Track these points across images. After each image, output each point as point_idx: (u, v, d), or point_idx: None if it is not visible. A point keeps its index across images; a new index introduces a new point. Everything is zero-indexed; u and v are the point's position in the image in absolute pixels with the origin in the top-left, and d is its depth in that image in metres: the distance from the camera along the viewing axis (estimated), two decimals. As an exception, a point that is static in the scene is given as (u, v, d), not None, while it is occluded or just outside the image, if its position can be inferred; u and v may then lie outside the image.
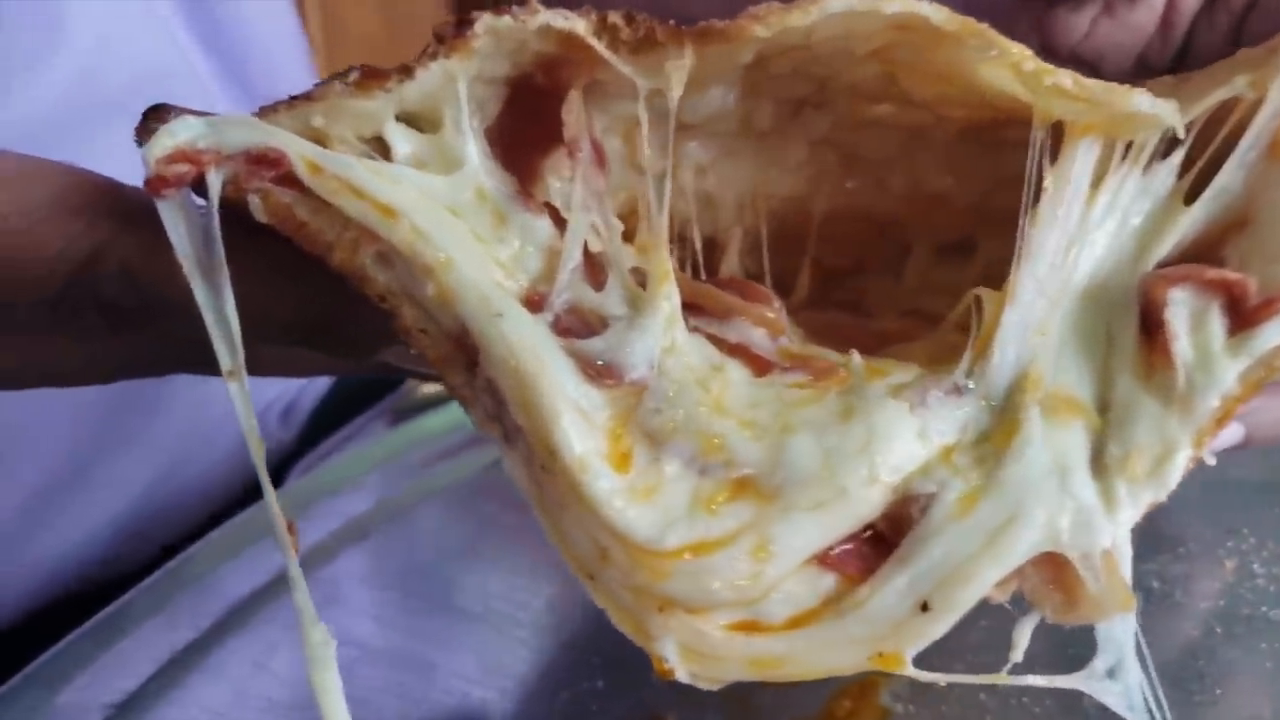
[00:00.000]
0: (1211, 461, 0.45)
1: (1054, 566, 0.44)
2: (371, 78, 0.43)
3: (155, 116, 0.43)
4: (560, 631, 0.77)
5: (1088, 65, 0.52)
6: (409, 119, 0.45)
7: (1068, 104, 0.44)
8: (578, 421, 0.42)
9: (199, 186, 0.42)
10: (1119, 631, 0.45)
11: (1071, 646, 0.47)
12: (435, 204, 0.44)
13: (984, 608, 0.44)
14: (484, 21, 0.42)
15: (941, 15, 0.43)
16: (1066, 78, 0.44)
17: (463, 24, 0.42)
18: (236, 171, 0.42)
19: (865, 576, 0.44)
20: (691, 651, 0.43)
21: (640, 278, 0.45)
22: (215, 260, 0.42)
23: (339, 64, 0.45)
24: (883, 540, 0.44)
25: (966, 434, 0.45)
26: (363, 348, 0.51)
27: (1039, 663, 0.46)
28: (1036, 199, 0.46)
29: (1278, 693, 0.65)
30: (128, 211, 0.47)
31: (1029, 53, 0.44)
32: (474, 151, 0.45)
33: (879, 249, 0.59)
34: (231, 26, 1.00)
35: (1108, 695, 0.45)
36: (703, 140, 0.54)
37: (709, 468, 0.43)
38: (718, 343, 0.46)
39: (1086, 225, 0.46)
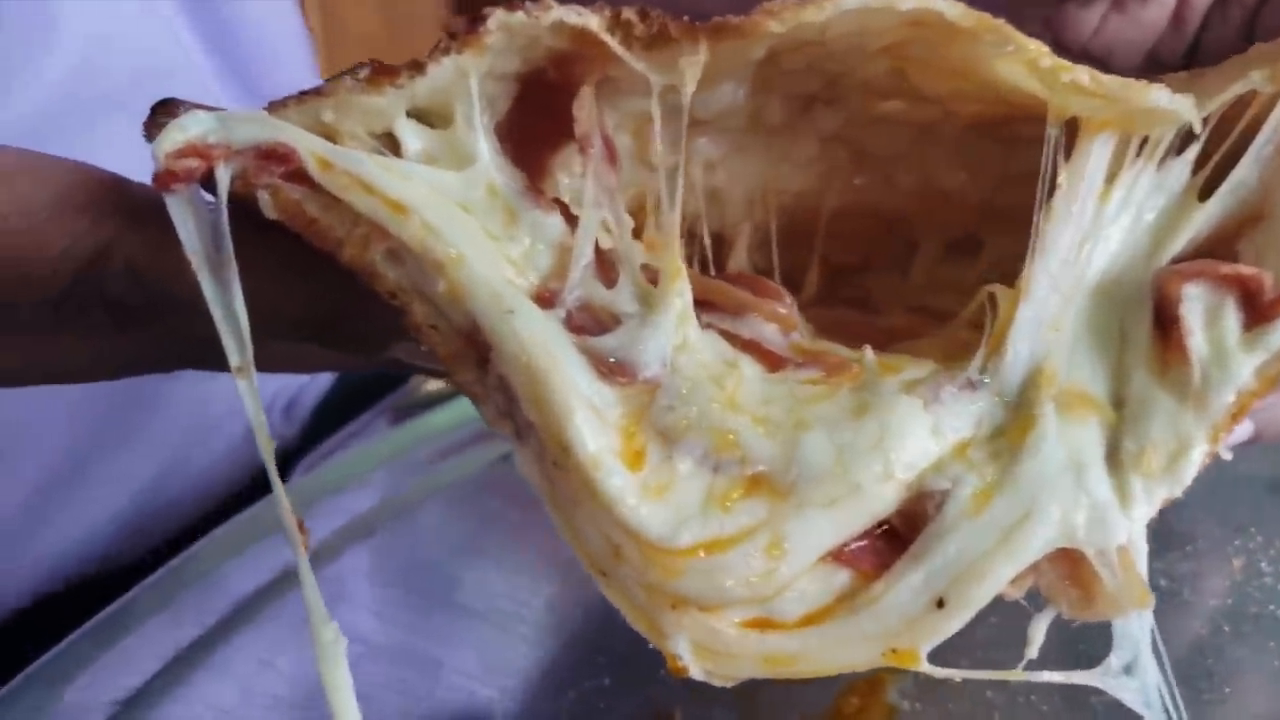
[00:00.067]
0: (1228, 456, 0.45)
1: (1069, 563, 0.43)
2: (383, 73, 0.43)
3: (164, 111, 0.43)
4: (565, 629, 0.77)
5: (1097, 61, 0.52)
6: (419, 115, 0.45)
7: (1084, 100, 0.44)
8: (590, 419, 0.42)
9: (207, 182, 0.42)
10: (1135, 628, 0.45)
11: (1082, 644, 0.46)
12: (447, 200, 0.43)
13: (993, 605, 0.44)
14: (497, 17, 0.41)
15: (957, 11, 0.42)
16: (1084, 74, 0.43)
17: (475, 20, 0.42)
18: (246, 167, 0.42)
19: (879, 573, 0.44)
20: (705, 649, 0.43)
21: (651, 274, 0.45)
22: (224, 256, 0.42)
23: (339, 63, 0.45)
24: (897, 536, 0.44)
25: (981, 430, 0.45)
26: (372, 344, 0.51)
27: (1049, 660, 0.46)
28: (1050, 195, 0.45)
29: (1286, 692, 0.66)
30: (134, 208, 0.47)
31: (1045, 49, 0.43)
32: (485, 148, 0.45)
33: (886, 246, 0.59)
34: (235, 25, 1.00)
35: (1124, 692, 0.45)
36: (713, 136, 0.54)
37: (722, 465, 0.43)
38: (730, 339, 0.46)
39: (1101, 221, 0.46)
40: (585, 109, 0.45)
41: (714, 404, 0.43)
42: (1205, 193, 0.46)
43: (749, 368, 0.45)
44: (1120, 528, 0.43)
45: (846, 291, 0.59)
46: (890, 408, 0.44)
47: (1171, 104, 0.44)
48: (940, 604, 0.43)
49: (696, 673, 0.44)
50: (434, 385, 1.04)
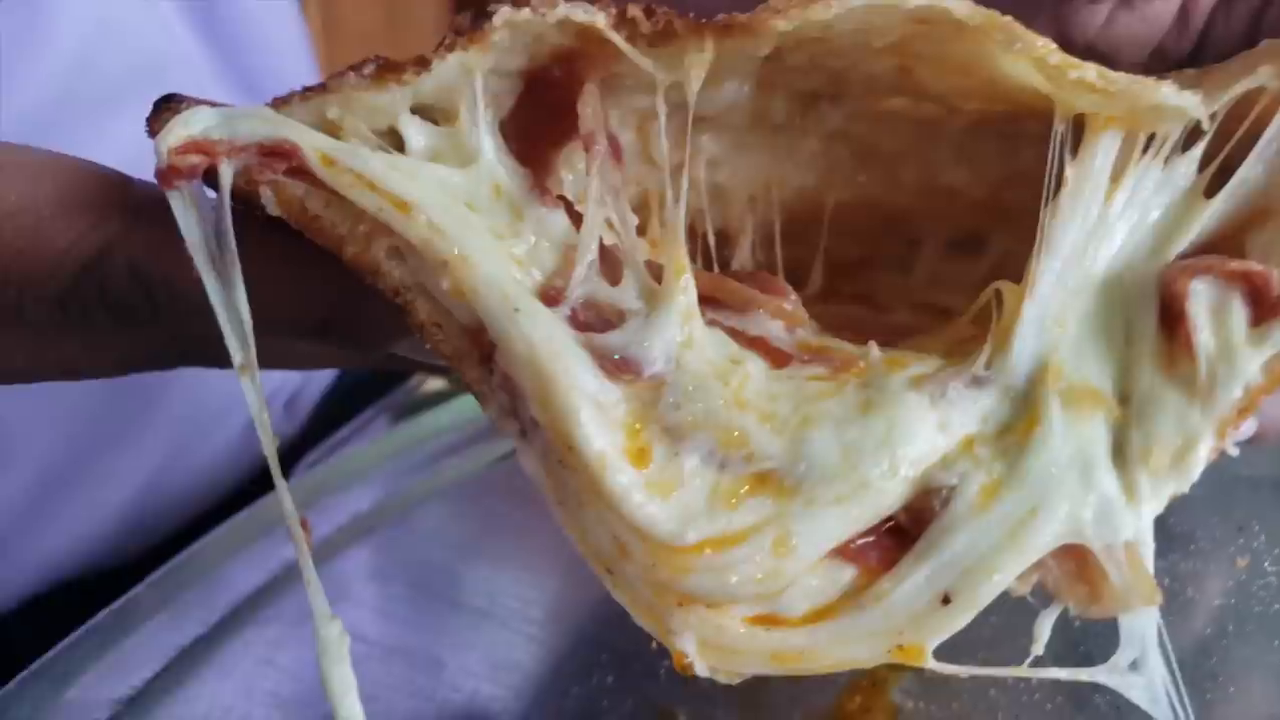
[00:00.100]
0: (1234, 452, 0.45)
1: (1076, 559, 0.43)
2: (388, 70, 0.42)
3: (168, 107, 0.43)
4: (569, 627, 0.77)
5: (1103, 58, 0.52)
6: (423, 111, 0.45)
7: (1091, 97, 0.44)
8: (596, 416, 0.42)
9: (210, 179, 0.42)
10: (1142, 625, 0.45)
11: (1083, 644, 0.47)
12: (451, 198, 0.43)
13: (995, 604, 0.44)
14: (502, 14, 0.41)
15: (964, 9, 0.42)
16: (1091, 71, 0.43)
17: (481, 17, 0.41)
18: (248, 163, 0.42)
19: (886, 569, 0.44)
20: (711, 646, 0.43)
21: (655, 271, 0.45)
22: (226, 253, 0.42)
23: (339, 61, 0.44)
24: (903, 532, 0.44)
25: (987, 426, 0.45)
26: (374, 342, 0.51)
27: (1051, 660, 0.46)
28: (1056, 191, 0.45)
29: (1292, 691, 0.65)
30: (137, 205, 0.47)
31: (1053, 46, 0.43)
32: (489, 145, 0.45)
33: (889, 243, 0.59)
34: (233, 22, 1.00)
35: (1131, 689, 0.45)
36: (716, 133, 0.54)
37: (729, 462, 0.43)
38: (736, 335, 0.46)
39: (1106, 218, 0.46)
40: (590, 107, 0.45)
41: (720, 401, 0.43)
42: (1211, 189, 0.46)
43: (754, 365, 0.45)
44: (1127, 523, 0.43)
45: (849, 287, 0.59)
46: (897, 404, 0.44)
47: (1179, 100, 0.44)
48: (946, 600, 0.43)
49: (702, 670, 0.44)
50: (435, 384, 1.04)
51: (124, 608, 0.77)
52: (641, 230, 0.49)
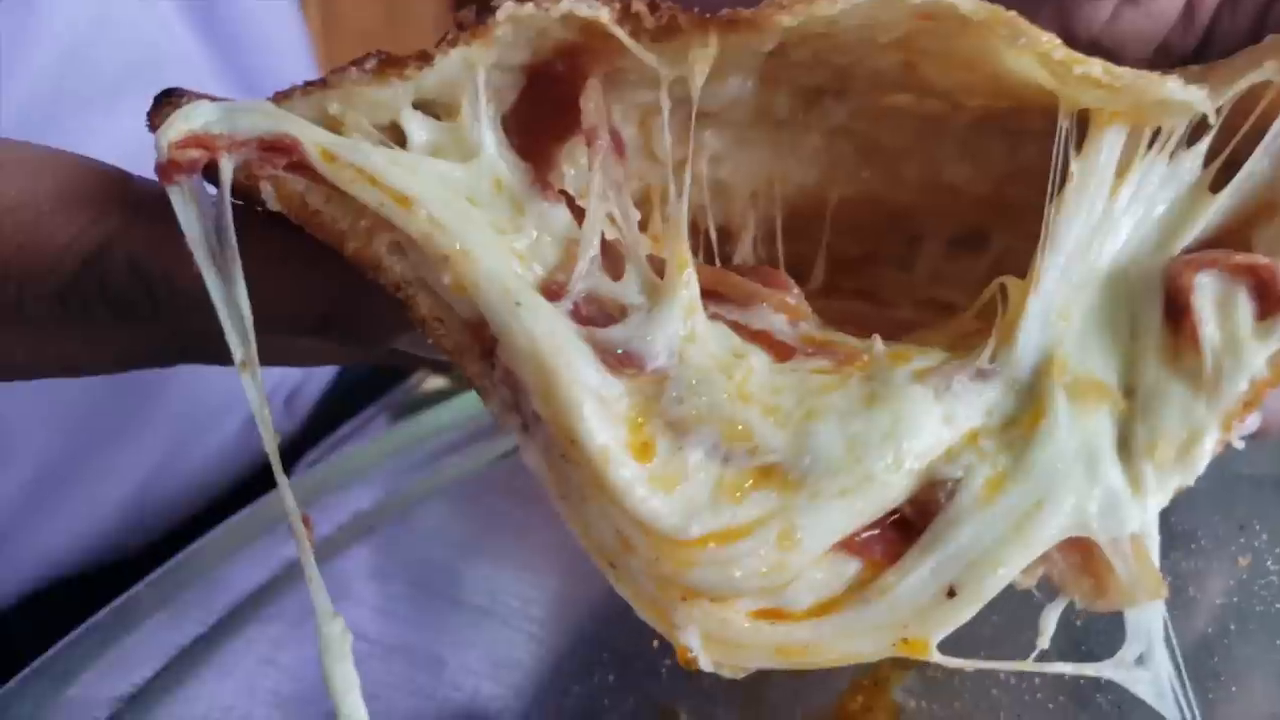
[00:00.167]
0: (1240, 445, 0.45)
1: (1082, 552, 0.43)
2: (390, 65, 0.42)
3: (168, 101, 0.43)
4: (570, 626, 0.77)
5: (1108, 53, 0.52)
6: (424, 106, 0.45)
7: (1096, 92, 0.44)
8: (599, 411, 0.42)
9: (210, 174, 0.42)
10: (1147, 619, 0.44)
11: (1085, 643, 0.46)
12: (453, 193, 0.43)
13: (996, 603, 0.44)
14: (506, 9, 0.41)
15: (969, 4, 0.42)
16: (1096, 66, 0.43)
17: (484, 12, 0.41)
18: (249, 158, 0.42)
19: (891, 562, 0.44)
20: (715, 640, 0.43)
21: (656, 266, 0.45)
22: (227, 249, 0.42)
23: (338, 59, 0.44)
24: (908, 525, 0.44)
25: (992, 419, 0.45)
26: (375, 338, 0.51)
27: (1053, 657, 0.46)
28: (1061, 186, 0.45)
29: (1294, 690, 0.65)
30: (137, 202, 0.47)
31: (1058, 41, 0.43)
32: (490, 140, 0.44)
33: (890, 239, 0.59)
34: (231, 18, 1.00)
35: (1137, 684, 0.45)
36: (718, 129, 0.54)
37: (732, 455, 0.43)
38: (739, 329, 0.46)
39: (1112, 213, 0.46)
40: (593, 102, 0.44)
41: (723, 395, 0.43)
42: (1217, 184, 0.46)
43: (758, 358, 0.45)
44: (1133, 516, 0.43)
45: (851, 283, 0.59)
46: (901, 397, 0.44)
47: (1185, 95, 0.44)
48: (951, 593, 0.43)
49: (706, 664, 0.43)
50: (436, 382, 1.04)
51: (125, 606, 0.77)
52: (643, 226, 0.49)
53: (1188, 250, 0.46)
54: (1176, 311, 0.45)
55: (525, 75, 0.45)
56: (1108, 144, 0.45)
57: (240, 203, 0.43)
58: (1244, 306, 0.44)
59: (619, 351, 0.43)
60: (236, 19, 1.00)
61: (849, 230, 0.58)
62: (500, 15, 0.42)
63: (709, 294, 0.46)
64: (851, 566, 0.44)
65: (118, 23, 0.88)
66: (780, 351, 0.46)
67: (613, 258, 0.45)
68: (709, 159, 0.55)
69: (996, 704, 0.65)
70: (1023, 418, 0.44)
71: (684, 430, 0.43)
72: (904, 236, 0.59)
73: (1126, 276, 0.46)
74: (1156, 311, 0.45)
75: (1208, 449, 0.44)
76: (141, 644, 0.75)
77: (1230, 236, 0.46)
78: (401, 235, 0.43)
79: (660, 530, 0.42)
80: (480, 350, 0.44)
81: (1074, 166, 0.45)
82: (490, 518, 0.87)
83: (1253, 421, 0.48)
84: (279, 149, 0.42)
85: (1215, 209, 0.46)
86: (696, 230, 0.55)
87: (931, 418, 0.44)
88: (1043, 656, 0.46)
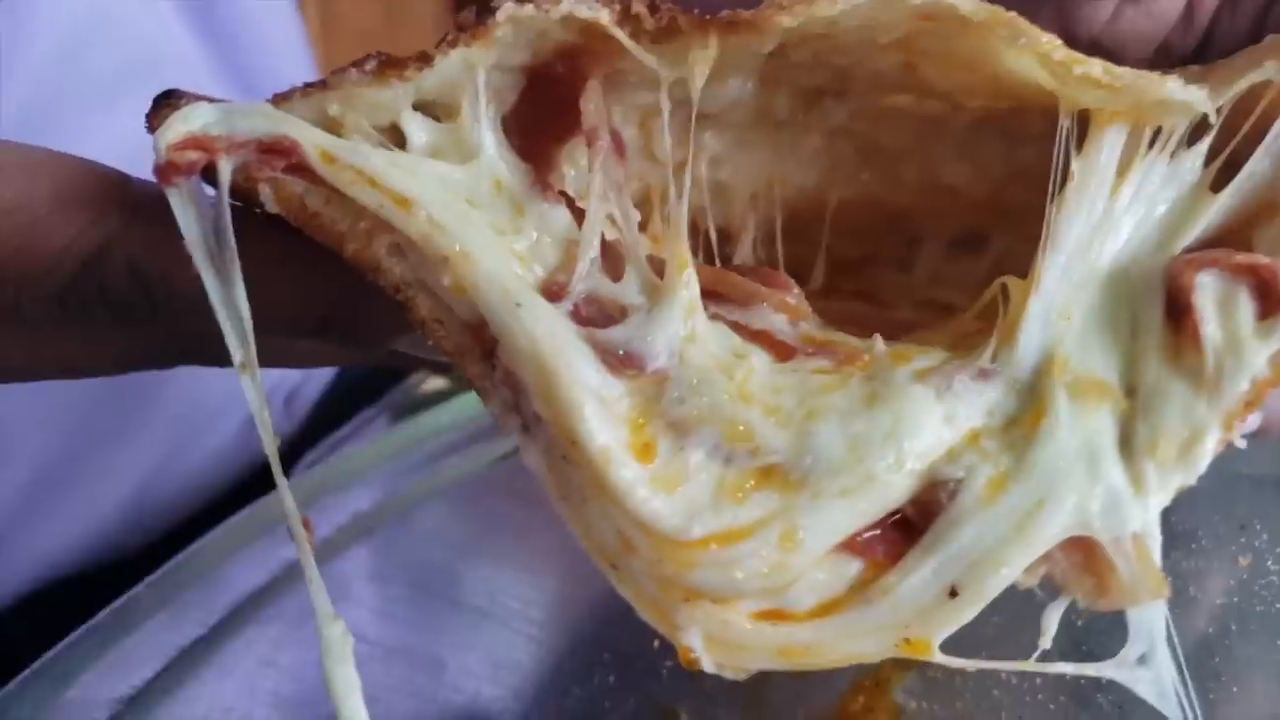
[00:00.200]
0: (1241, 444, 0.44)
1: (1084, 551, 0.43)
2: (390, 66, 0.42)
3: (167, 103, 0.42)
4: (570, 627, 0.77)
5: (1108, 53, 0.52)
6: (424, 107, 0.44)
7: (1097, 92, 0.44)
8: (600, 412, 0.42)
9: (208, 176, 0.42)
10: (1149, 619, 0.44)
11: (1085, 643, 0.46)
12: (452, 194, 0.43)
13: (997, 603, 0.44)
14: (506, 10, 0.41)
15: (970, 5, 0.42)
16: (1097, 66, 0.43)
17: (484, 13, 0.41)
18: (248, 160, 0.42)
19: (893, 562, 0.44)
20: (717, 641, 0.43)
21: (656, 267, 0.45)
22: (225, 251, 0.42)
23: (336, 57, 0.44)
24: (910, 526, 0.44)
25: (993, 418, 0.45)
26: (374, 339, 0.51)
27: (1054, 658, 0.46)
28: (1062, 186, 0.45)
29: (1295, 690, 0.65)
30: (135, 204, 0.47)
31: (1058, 42, 0.43)
32: (490, 141, 0.44)
33: (890, 240, 0.59)
34: (232, 21, 1.00)
35: (1139, 684, 0.45)
36: (718, 130, 0.54)
37: (734, 456, 0.43)
38: (739, 329, 0.46)
39: (1112, 212, 0.46)
40: (593, 103, 0.44)
41: (724, 395, 0.43)
42: (1218, 184, 0.46)
43: (758, 358, 0.45)
44: (1134, 515, 0.43)
45: (851, 284, 0.59)
46: (902, 397, 0.44)
47: (1185, 95, 0.44)
48: (953, 593, 0.43)
49: (708, 665, 0.43)
50: (435, 383, 1.04)
51: (124, 607, 0.77)
52: (643, 226, 0.49)
53: (1189, 250, 0.46)
54: (1178, 311, 0.45)
55: (525, 76, 0.45)
56: (1108, 143, 0.45)
57: (240, 204, 0.43)
58: (1245, 306, 0.44)
59: (620, 352, 0.43)
60: (235, 19, 1.00)
61: (848, 232, 0.58)
62: (500, 16, 0.41)
63: (709, 294, 0.46)
64: (853, 567, 0.44)
65: (116, 22, 0.88)
66: (781, 351, 0.46)
67: (613, 258, 0.45)
68: (709, 160, 0.55)
69: (998, 704, 0.65)
70: (1024, 417, 0.44)
71: (685, 431, 0.43)
72: (903, 238, 0.59)
73: (1127, 276, 0.46)
74: (1157, 311, 0.45)
75: (1209, 448, 0.44)
76: (141, 645, 0.75)
77: (1231, 236, 0.46)
78: (401, 237, 0.42)
79: (662, 531, 0.41)
80: (480, 351, 0.44)
81: (1075, 166, 0.45)
82: (490, 519, 0.87)
83: (1254, 420, 0.47)
84: (278, 151, 0.42)
85: (1216, 209, 0.46)
86: (696, 231, 0.55)
87: (933, 417, 0.44)
88: (1044, 656, 0.46)
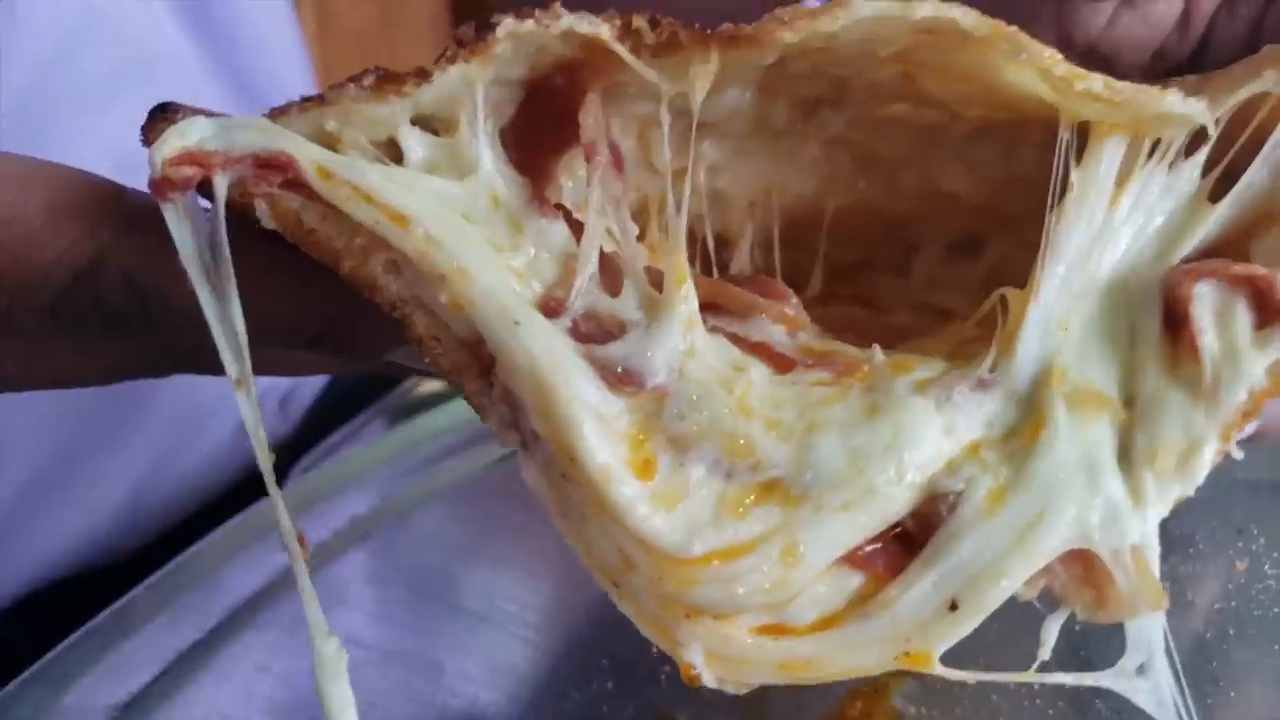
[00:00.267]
0: (1238, 455, 0.45)
1: (1083, 563, 0.43)
2: (388, 82, 0.42)
3: (163, 116, 0.42)
4: (568, 631, 0.76)
5: (1104, 58, 0.52)
6: (421, 121, 0.44)
7: (1097, 106, 0.44)
8: (599, 429, 0.42)
9: (204, 188, 0.42)
10: (1148, 629, 0.45)
11: (1083, 649, 0.46)
12: (449, 211, 0.43)
13: (997, 609, 0.44)
14: (506, 26, 0.41)
15: (971, 19, 0.42)
16: (1097, 81, 0.43)
17: (484, 29, 0.41)
18: (244, 175, 0.41)
19: (893, 575, 0.44)
20: (718, 657, 0.43)
21: (654, 276, 0.45)
22: (221, 266, 0.41)
23: (332, 57, 0.44)
24: (910, 539, 0.44)
25: (993, 430, 0.45)
26: (370, 351, 0.50)
27: (1052, 664, 0.46)
28: (1062, 196, 0.45)
29: (1293, 695, 0.65)
30: (130, 214, 0.46)
31: (1059, 56, 0.43)
32: (488, 156, 0.44)
33: (887, 246, 0.59)
34: (228, 21, 0.99)
35: (1137, 693, 0.45)
36: (717, 140, 0.54)
37: (735, 471, 0.43)
38: (738, 341, 0.46)
39: (1111, 223, 0.46)
40: (592, 116, 0.44)
41: (724, 409, 0.43)
42: (1216, 194, 0.46)
43: (758, 371, 0.45)
44: (1133, 527, 0.43)
45: (848, 290, 0.59)
46: (902, 408, 0.44)
47: (1185, 108, 0.44)
48: (954, 606, 0.43)
49: (710, 680, 0.43)
50: (432, 385, 1.04)
51: (121, 611, 0.77)
52: (640, 236, 0.49)
53: (1187, 260, 0.46)
54: (1175, 321, 0.45)
55: (523, 89, 0.45)
56: (1108, 154, 0.45)
57: (236, 218, 0.43)
58: (1243, 317, 0.44)
59: (618, 369, 0.43)
60: (231, 19, 1.00)
61: (846, 238, 0.58)
62: (500, 32, 0.41)
63: (707, 305, 0.46)
64: (854, 580, 0.44)
65: (111, 21, 0.88)
66: (780, 363, 0.46)
67: (610, 272, 0.45)
68: (707, 169, 0.55)
69: (996, 710, 0.65)
70: (1023, 428, 0.44)
71: (685, 446, 0.43)
72: (901, 244, 0.59)
73: (1126, 286, 0.46)
74: (1155, 321, 0.45)
75: (1207, 459, 0.44)
76: (139, 648, 0.75)
77: (1229, 246, 0.46)
78: (397, 254, 0.42)
79: (662, 549, 0.41)
80: (478, 369, 0.44)
81: (1074, 177, 0.45)
82: (488, 522, 0.87)
83: (1250, 425, 0.48)
84: (274, 166, 0.41)
85: (1214, 219, 0.46)
86: (694, 239, 0.55)
87: (932, 429, 0.44)
88: (1042, 663, 0.46)
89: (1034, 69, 0.43)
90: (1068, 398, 0.45)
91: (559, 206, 0.46)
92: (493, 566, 0.82)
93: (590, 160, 0.44)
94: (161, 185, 0.41)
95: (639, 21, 0.42)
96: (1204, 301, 0.44)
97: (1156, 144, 0.46)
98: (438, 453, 0.90)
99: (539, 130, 0.45)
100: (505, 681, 0.73)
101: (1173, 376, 0.45)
